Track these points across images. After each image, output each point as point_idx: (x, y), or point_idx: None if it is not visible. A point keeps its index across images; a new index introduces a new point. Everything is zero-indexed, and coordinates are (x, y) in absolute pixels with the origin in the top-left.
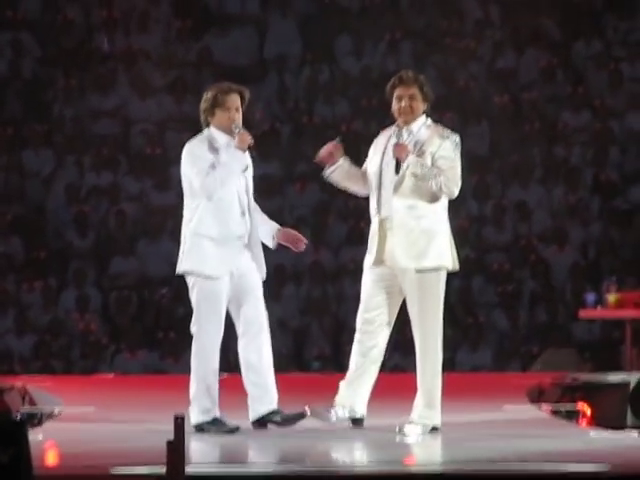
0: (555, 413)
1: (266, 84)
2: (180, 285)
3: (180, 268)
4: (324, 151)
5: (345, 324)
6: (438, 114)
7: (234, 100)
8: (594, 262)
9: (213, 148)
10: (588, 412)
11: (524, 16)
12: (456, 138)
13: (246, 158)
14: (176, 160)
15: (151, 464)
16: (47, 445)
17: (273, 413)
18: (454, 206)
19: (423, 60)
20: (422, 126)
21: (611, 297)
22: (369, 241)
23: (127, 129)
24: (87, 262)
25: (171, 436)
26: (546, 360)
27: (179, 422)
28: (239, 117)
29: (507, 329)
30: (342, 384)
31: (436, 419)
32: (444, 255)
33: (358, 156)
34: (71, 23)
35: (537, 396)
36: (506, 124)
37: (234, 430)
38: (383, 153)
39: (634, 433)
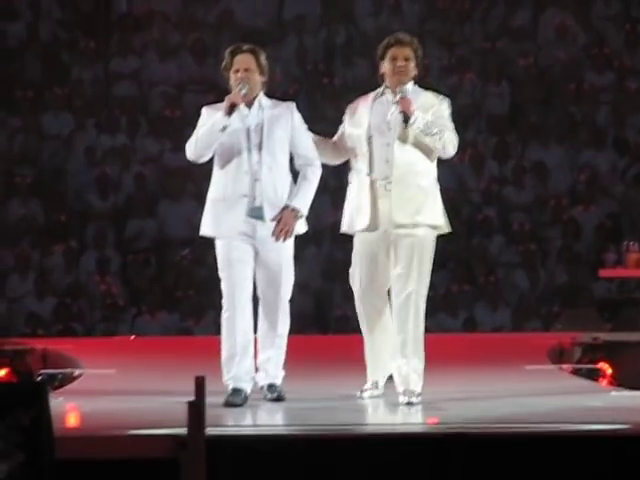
0: (576, 373)
1: (285, 45)
2: (201, 246)
3: (201, 231)
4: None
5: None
6: (459, 75)
7: (242, 61)
8: (615, 222)
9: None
10: (609, 372)
11: None
12: (449, 101)
13: (223, 117)
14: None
15: (172, 426)
16: (67, 407)
17: (269, 387)
18: (475, 166)
19: (436, 19)
20: (414, 88)
21: (632, 256)
22: (351, 206)
23: (147, 91)
24: (107, 224)
25: (192, 397)
26: (567, 320)
27: (200, 383)
28: (253, 77)
29: (527, 289)
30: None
31: (421, 386)
32: (439, 215)
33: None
34: None
35: (558, 356)
36: (526, 84)
37: (240, 404)
38: (370, 116)
39: None
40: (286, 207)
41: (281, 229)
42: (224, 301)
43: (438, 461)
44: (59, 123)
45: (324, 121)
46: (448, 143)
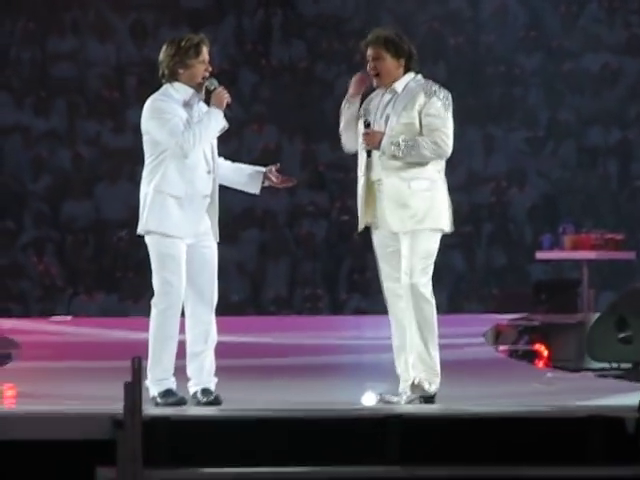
0: (512, 354)
1: (223, 26)
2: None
3: (142, 228)
4: (356, 77)
5: (301, 267)
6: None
7: (207, 52)
8: (552, 204)
9: (186, 104)
10: (545, 353)
11: None
12: (445, 95)
13: (223, 119)
14: (133, 104)
15: (108, 406)
16: (4, 387)
17: (203, 392)
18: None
19: (376, 4)
20: (408, 84)
21: (567, 239)
22: (359, 202)
23: (85, 72)
24: (44, 205)
25: (129, 378)
26: (502, 301)
27: (136, 363)
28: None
29: (464, 270)
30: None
31: (435, 387)
32: (438, 217)
33: (316, 98)
34: None
35: (495, 338)
36: (463, 66)
37: (181, 402)
38: (375, 114)
39: (590, 374)
40: (270, 169)
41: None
42: (161, 298)
43: (373, 441)
44: None
45: (261, 102)
46: (432, 150)
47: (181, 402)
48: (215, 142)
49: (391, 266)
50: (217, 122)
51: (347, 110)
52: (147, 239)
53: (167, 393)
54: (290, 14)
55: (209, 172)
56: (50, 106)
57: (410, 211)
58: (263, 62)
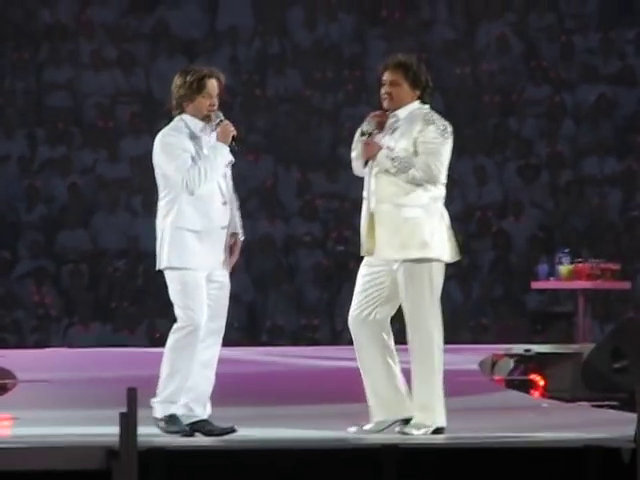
0: (508, 385)
1: (218, 56)
2: (135, 258)
3: (163, 264)
4: (378, 117)
5: (301, 296)
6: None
7: (215, 86)
8: (548, 234)
9: (194, 137)
10: (541, 383)
11: None
12: (444, 124)
13: (229, 153)
14: (127, 132)
15: (103, 437)
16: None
17: (202, 422)
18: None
19: (367, 34)
20: (412, 112)
21: (563, 269)
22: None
23: (80, 102)
24: (39, 235)
25: (124, 409)
26: (498, 332)
27: (131, 394)
28: (217, 103)
29: (460, 301)
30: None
31: (438, 420)
32: (430, 246)
33: (311, 128)
34: None
35: (490, 367)
36: (461, 96)
37: (183, 432)
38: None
39: (586, 404)
40: (235, 235)
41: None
42: (184, 323)
43: (369, 472)
44: None
45: (256, 131)
46: (424, 173)
47: (183, 432)
48: (229, 173)
49: (371, 295)
50: (222, 157)
51: (358, 141)
52: (167, 273)
53: (171, 419)
54: (286, 43)
55: (225, 203)
56: (45, 136)
57: (399, 239)
58: (258, 92)
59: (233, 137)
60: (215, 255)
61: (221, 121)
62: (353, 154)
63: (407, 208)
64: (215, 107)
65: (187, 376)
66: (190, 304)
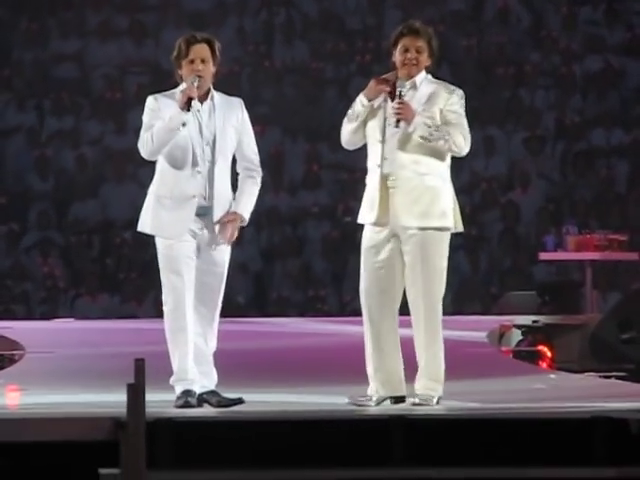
0: (516, 356)
1: (225, 27)
2: None
3: (139, 227)
4: (383, 78)
5: (309, 267)
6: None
7: (198, 51)
8: (555, 206)
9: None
10: (548, 354)
11: None
12: (462, 94)
13: (180, 116)
14: (134, 104)
15: (111, 408)
16: (7, 389)
17: (209, 393)
18: None
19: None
20: (424, 80)
21: (571, 240)
22: (366, 197)
23: (88, 73)
24: (48, 206)
25: (132, 380)
26: (506, 303)
27: (139, 365)
28: (206, 69)
29: (468, 272)
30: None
31: (440, 390)
32: (448, 215)
33: (320, 99)
34: None
35: (498, 338)
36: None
37: (191, 405)
38: (385, 105)
39: (593, 375)
40: (234, 213)
41: (230, 234)
42: (168, 299)
43: (377, 443)
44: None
45: (264, 103)
46: (459, 142)
47: (192, 406)
48: (221, 143)
49: (382, 268)
50: (171, 120)
51: (363, 108)
52: (155, 240)
53: (183, 394)
54: (293, 14)
55: (198, 172)
56: (53, 107)
57: (420, 207)
58: (266, 63)
59: (190, 99)
60: (185, 222)
61: (194, 82)
62: (353, 123)
63: (429, 176)
64: (202, 72)
65: (186, 353)
66: (170, 277)
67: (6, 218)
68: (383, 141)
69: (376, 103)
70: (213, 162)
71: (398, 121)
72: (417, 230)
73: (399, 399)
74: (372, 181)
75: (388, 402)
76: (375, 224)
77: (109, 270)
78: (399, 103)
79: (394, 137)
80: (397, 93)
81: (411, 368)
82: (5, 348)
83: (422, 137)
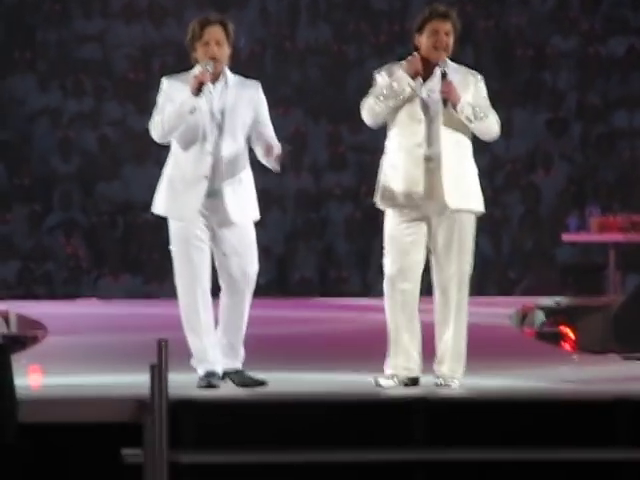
0: (538, 337)
1: (249, 7)
2: None
3: (152, 208)
4: (415, 59)
5: (331, 249)
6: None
7: (212, 33)
8: (578, 187)
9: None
10: (571, 336)
11: None
12: (483, 78)
13: (190, 100)
14: (156, 85)
15: (134, 389)
16: (30, 370)
17: (235, 373)
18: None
19: None
20: (450, 63)
21: (594, 221)
22: (396, 177)
23: (111, 54)
24: (72, 187)
25: (154, 360)
26: (528, 285)
27: (162, 346)
28: (221, 51)
29: (490, 254)
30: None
31: (462, 371)
32: (480, 199)
33: (344, 81)
34: None
35: (520, 320)
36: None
37: (212, 386)
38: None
39: (616, 356)
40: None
41: (277, 155)
42: (180, 281)
43: (399, 424)
44: (23, 86)
45: (288, 85)
46: (494, 125)
47: (213, 387)
48: (230, 123)
49: (410, 250)
50: (182, 106)
51: (409, 88)
52: (168, 222)
53: (205, 376)
54: None
55: (208, 152)
56: (76, 88)
57: (463, 189)
58: (289, 45)
59: (201, 84)
60: (191, 204)
61: (206, 65)
62: (391, 102)
63: (467, 160)
64: (217, 54)
65: (200, 334)
66: (179, 258)
67: (29, 199)
68: (426, 121)
69: (409, 83)
70: (221, 144)
71: (445, 101)
72: (457, 211)
73: (415, 380)
74: (407, 161)
75: (409, 383)
76: (405, 206)
77: (132, 250)
78: (446, 83)
79: (437, 117)
80: (441, 73)
81: (427, 349)
82: (28, 329)
83: (467, 117)
